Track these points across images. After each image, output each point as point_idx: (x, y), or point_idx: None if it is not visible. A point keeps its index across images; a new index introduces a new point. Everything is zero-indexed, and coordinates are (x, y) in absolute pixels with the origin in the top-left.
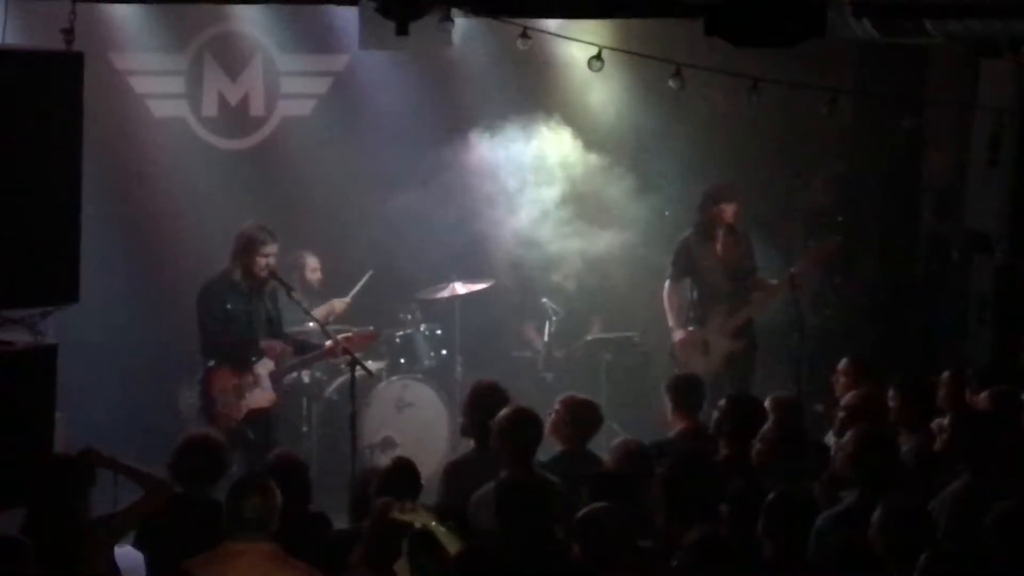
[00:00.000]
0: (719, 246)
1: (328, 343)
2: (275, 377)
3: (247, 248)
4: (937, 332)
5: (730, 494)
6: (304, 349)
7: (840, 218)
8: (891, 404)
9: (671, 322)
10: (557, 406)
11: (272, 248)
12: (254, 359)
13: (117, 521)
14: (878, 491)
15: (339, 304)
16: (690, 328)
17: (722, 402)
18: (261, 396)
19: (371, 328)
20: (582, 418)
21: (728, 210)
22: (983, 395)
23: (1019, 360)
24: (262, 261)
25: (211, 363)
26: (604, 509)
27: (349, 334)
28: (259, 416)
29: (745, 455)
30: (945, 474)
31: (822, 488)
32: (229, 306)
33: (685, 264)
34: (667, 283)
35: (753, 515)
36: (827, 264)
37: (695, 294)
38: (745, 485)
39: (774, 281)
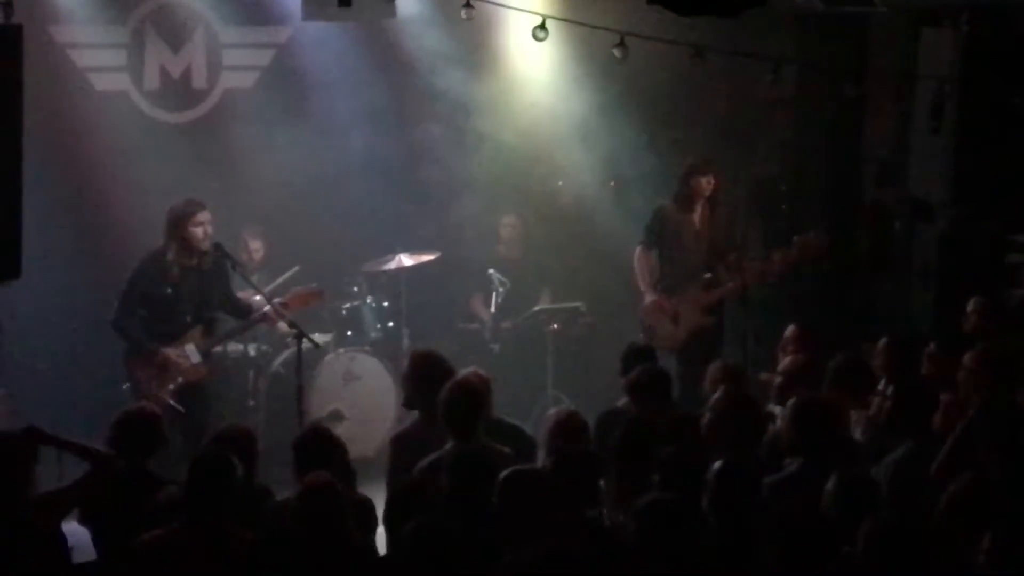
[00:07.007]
0: (696, 218)
1: (267, 308)
2: (204, 349)
3: (178, 223)
4: (880, 301)
5: (663, 461)
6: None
7: (783, 187)
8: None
9: (642, 287)
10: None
11: (204, 216)
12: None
13: (62, 497)
14: (821, 459)
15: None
16: (662, 295)
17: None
18: (191, 371)
19: (314, 285)
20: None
21: (704, 182)
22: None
23: (962, 328)
24: (198, 231)
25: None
26: (528, 470)
27: (291, 295)
28: (192, 390)
29: (687, 421)
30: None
31: (764, 454)
32: (155, 291)
33: (658, 232)
34: (638, 248)
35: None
36: (811, 260)
37: (668, 263)
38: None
39: (756, 262)
